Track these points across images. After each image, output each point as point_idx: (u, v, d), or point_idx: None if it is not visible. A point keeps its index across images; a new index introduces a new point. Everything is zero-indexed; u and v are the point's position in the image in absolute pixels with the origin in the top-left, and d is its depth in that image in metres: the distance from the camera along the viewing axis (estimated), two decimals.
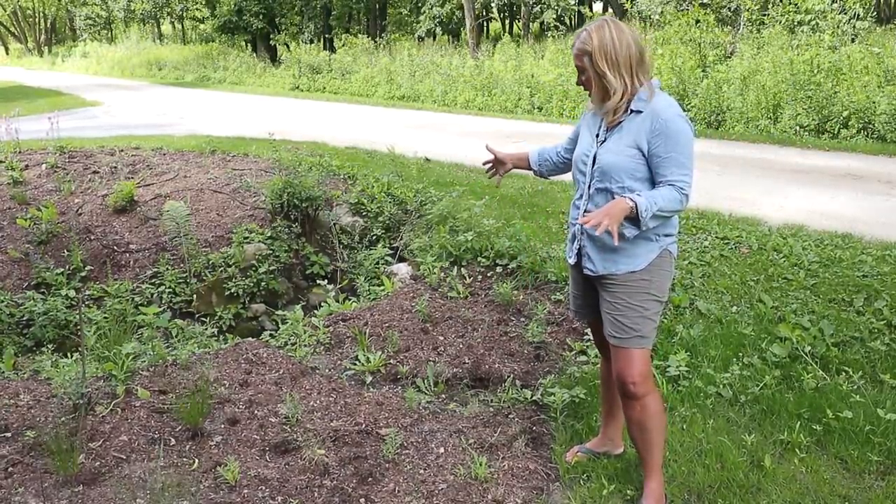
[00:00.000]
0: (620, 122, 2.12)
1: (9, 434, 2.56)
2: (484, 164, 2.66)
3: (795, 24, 10.58)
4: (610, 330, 2.20)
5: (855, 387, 2.83)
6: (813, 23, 10.26)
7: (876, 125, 7.82)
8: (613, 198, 2.10)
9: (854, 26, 9.92)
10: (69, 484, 2.29)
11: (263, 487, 2.33)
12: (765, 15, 11.40)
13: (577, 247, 2.26)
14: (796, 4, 10.59)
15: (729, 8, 11.87)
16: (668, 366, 3.02)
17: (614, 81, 2.06)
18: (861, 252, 4.08)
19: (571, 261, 2.31)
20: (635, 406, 2.18)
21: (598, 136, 2.19)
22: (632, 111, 2.09)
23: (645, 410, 2.17)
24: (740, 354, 3.11)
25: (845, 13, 9.98)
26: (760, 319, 3.39)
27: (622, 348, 2.17)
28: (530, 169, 2.58)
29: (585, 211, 2.21)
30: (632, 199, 1.99)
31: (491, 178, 2.65)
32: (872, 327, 3.25)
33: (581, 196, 2.25)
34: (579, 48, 2.09)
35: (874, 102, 7.89)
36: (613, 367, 2.24)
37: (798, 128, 8.27)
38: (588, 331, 3.46)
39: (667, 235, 2.18)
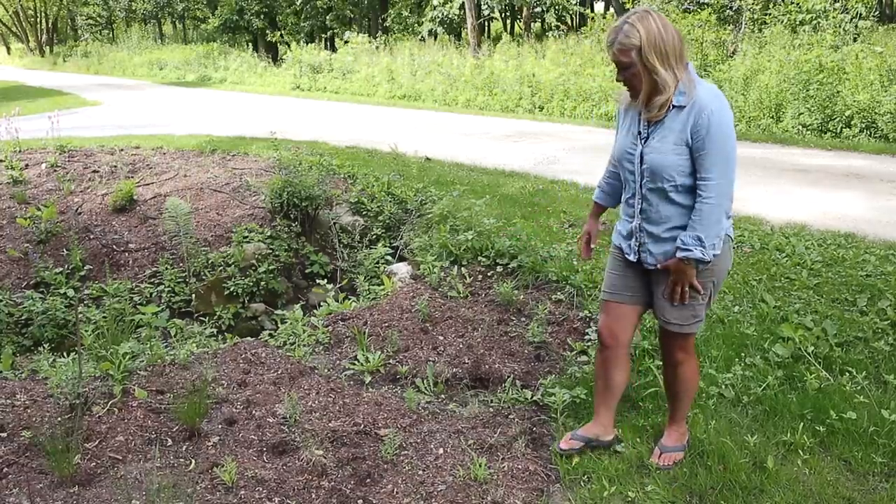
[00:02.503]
0: (662, 118, 2.06)
1: (4, 434, 2.54)
2: (587, 245, 2.57)
3: (797, 23, 10.55)
4: (669, 317, 2.26)
5: (859, 387, 2.79)
6: (815, 22, 10.23)
7: (879, 125, 7.78)
8: (668, 196, 2.11)
9: (856, 26, 9.88)
10: (64, 485, 2.27)
11: (261, 488, 2.30)
12: (766, 14, 11.37)
13: (637, 244, 2.25)
14: (798, 4, 10.55)
15: (731, 7, 11.84)
16: None
17: (666, 75, 1.99)
18: (864, 252, 4.05)
19: (633, 258, 2.29)
20: (672, 371, 2.39)
21: (640, 133, 2.13)
22: (673, 106, 2.04)
23: (679, 376, 2.38)
24: (742, 354, 3.08)
25: (847, 12, 9.94)
26: (763, 319, 3.36)
27: (682, 334, 2.28)
28: (605, 209, 2.53)
29: (641, 210, 2.20)
30: (687, 259, 2.07)
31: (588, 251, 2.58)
32: (876, 327, 3.22)
33: (633, 195, 2.23)
34: (624, 43, 1.99)
35: (877, 102, 7.85)
36: (667, 345, 2.35)
37: (800, 127, 8.24)
38: (588, 330, 3.43)
39: (728, 217, 2.19)
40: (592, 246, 2.57)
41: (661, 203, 2.14)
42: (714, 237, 2.07)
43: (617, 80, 2.10)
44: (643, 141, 2.12)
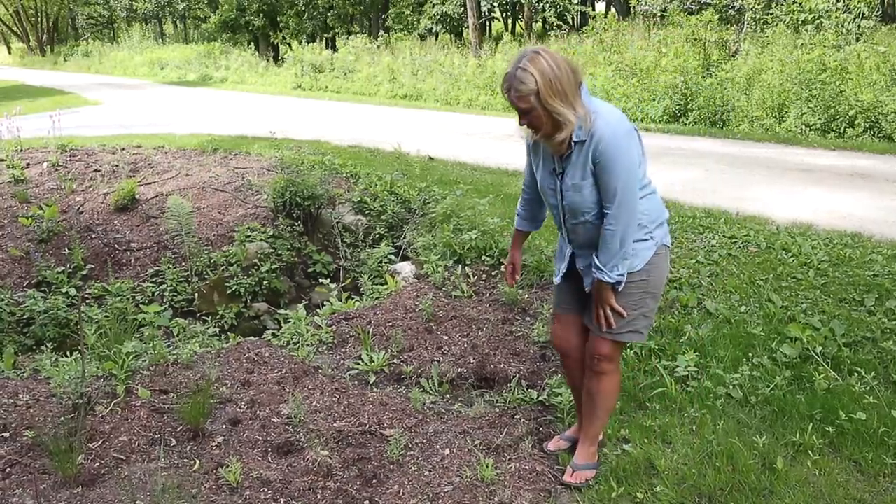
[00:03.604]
0: (570, 152, 2.08)
1: (7, 434, 2.52)
2: (511, 276, 2.53)
3: (799, 23, 10.52)
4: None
5: (868, 388, 2.77)
6: (817, 22, 10.21)
7: (883, 124, 7.75)
8: (591, 224, 2.15)
9: (859, 25, 9.86)
10: (68, 485, 2.25)
11: (266, 489, 2.28)
12: (769, 14, 11.34)
13: (567, 267, 2.32)
14: (800, 3, 10.52)
15: (733, 7, 11.82)
16: (677, 366, 2.98)
17: (567, 113, 1.96)
18: (871, 251, 4.02)
19: (557, 280, 2.39)
20: (593, 378, 2.30)
21: (555, 170, 2.17)
22: (575, 143, 2.05)
23: (599, 385, 2.31)
24: (750, 355, 3.06)
25: (850, 12, 9.92)
26: (770, 319, 3.34)
27: (612, 341, 2.24)
28: (528, 234, 2.54)
29: (570, 240, 2.27)
30: (601, 281, 2.13)
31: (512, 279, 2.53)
32: (884, 327, 3.20)
33: (560, 226, 2.29)
34: (520, 89, 1.95)
35: (881, 102, 7.82)
36: (589, 344, 2.31)
37: (804, 127, 8.21)
38: None
39: (659, 227, 2.20)
40: (517, 278, 2.52)
41: (585, 231, 2.18)
42: (619, 260, 2.10)
43: (520, 125, 2.06)
44: (559, 178, 2.15)
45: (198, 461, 2.42)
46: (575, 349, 2.42)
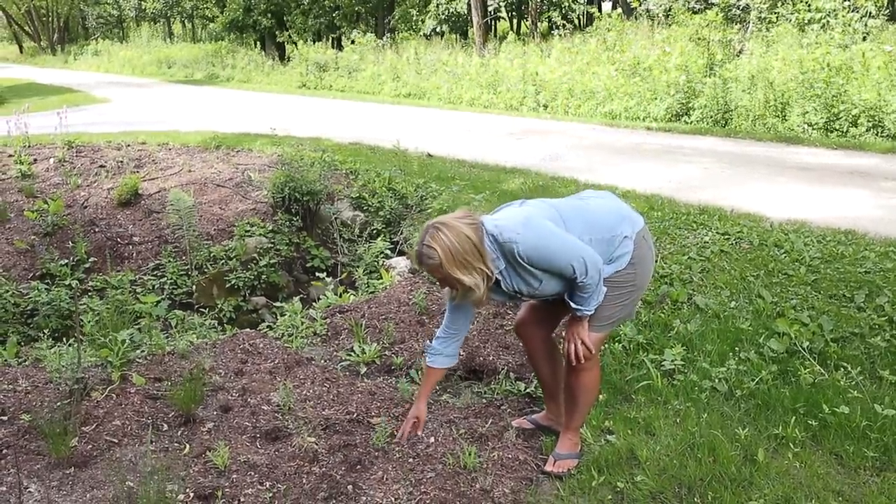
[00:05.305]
0: (499, 278, 2.16)
1: (5, 418, 2.58)
2: (413, 429, 2.49)
3: (805, 22, 10.48)
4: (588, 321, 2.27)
5: (853, 383, 2.79)
6: (823, 21, 10.16)
7: (886, 124, 7.72)
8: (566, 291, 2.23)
9: (866, 24, 9.80)
10: (60, 466, 2.31)
11: (252, 473, 2.33)
12: (774, 13, 11.30)
13: None
14: (807, 3, 10.48)
15: (738, 6, 11.79)
16: (664, 360, 3.00)
17: (471, 279, 2.07)
18: (864, 248, 4.02)
19: None
20: (572, 373, 2.33)
21: (513, 294, 2.24)
22: (500, 272, 2.13)
23: (578, 379, 2.33)
24: (737, 349, 3.08)
25: (857, 11, 9.87)
26: (759, 315, 3.35)
27: (593, 333, 2.28)
28: (445, 371, 2.54)
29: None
30: (580, 315, 2.21)
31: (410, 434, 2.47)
32: (873, 323, 3.21)
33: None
34: (428, 264, 2.07)
35: (885, 101, 7.78)
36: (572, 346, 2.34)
37: (806, 126, 8.19)
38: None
39: (621, 223, 2.23)
40: (419, 433, 2.46)
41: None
42: (596, 296, 2.17)
43: (442, 288, 2.20)
44: (521, 295, 2.26)
45: (188, 445, 2.47)
46: (537, 339, 2.49)
